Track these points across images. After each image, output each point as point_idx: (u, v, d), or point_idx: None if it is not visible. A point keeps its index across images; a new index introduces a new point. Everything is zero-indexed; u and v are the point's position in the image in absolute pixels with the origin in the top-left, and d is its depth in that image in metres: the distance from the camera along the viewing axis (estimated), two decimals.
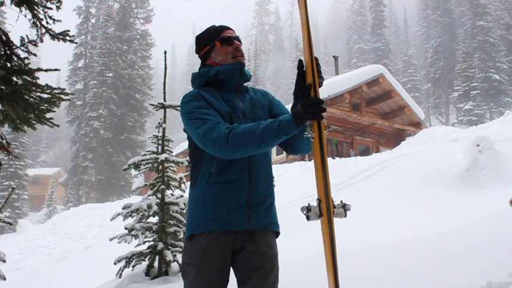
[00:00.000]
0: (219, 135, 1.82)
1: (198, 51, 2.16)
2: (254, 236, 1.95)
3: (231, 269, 1.99)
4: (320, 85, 1.86)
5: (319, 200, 1.79)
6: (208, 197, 1.94)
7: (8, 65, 3.35)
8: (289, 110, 1.94)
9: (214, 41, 2.08)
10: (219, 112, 1.96)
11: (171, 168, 5.25)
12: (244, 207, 1.93)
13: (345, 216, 1.81)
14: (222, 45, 2.07)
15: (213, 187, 1.94)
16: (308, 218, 1.80)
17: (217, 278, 1.91)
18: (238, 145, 1.81)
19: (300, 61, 1.90)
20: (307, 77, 1.85)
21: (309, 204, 1.80)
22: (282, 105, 2.22)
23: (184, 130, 2.04)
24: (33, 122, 3.52)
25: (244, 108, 2.04)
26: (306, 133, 1.82)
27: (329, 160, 15.24)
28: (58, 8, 3.58)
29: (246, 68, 2.13)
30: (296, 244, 5.62)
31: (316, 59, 1.87)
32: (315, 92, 1.81)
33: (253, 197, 1.95)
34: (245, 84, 2.16)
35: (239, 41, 2.11)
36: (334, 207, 1.80)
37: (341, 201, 1.83)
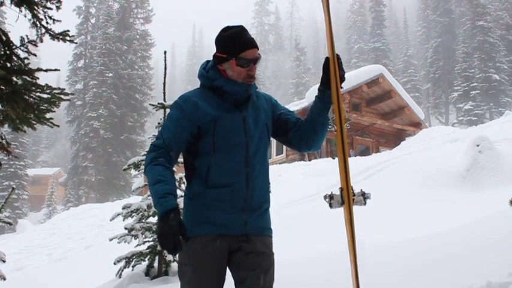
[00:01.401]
0: (147, 158, 1.98)
1: (216, 48, 2.10)
2: (250, 238, 1.96)
3: (228, 270, 2.01)
4: (342, 78, 1.98)
5: (341, 189, 1.87)
6: (204, 200, 1.95)
7: (8, 65, 3.35)
8: (311, 105, 2.12)
9: (232, 57, 2.00)
10: (206, 120, 1.96)
11: None
12: (239, 212, 1.95)
13: (365, 204, 1.89)
14: (237, 65, 2.00)
15: (209, 191, 1.95)
16: (331, 206, 1.88)
17: (213, 277, 1.93)
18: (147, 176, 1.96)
19: (327, 58, 2.01)
20: (330, 71, 1.98)
21: (331, 192, 1.88)
22: (286, 108, 2.24)
23: None
24: (33, 122, 3.53)
25: (244, 115, 2.03)
26: (329, 127, 1.90)
27: (329, 160, 15.23)
28: (58, 8, 3.59)
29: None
30: (296, 244, 5.63)
31: (338, 55, 1.98)
32: (336, 84, 1.92)
33: (249, 202, 1.97)
34: None
35: (257, 60, 2.03)
36: (354, 195, 1.86)
37: (361, 190, 1.92)
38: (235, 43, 2.00)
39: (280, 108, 2.20)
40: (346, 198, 1.82)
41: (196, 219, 1.96)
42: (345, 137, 1.87)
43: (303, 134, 2.11)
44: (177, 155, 2.03)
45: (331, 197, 1.86)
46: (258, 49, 2.04)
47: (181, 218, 1.88)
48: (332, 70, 1.92)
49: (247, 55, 2.00)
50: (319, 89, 2.08)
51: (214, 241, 1.92)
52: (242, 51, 1.99)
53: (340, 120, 1.88)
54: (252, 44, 2.02)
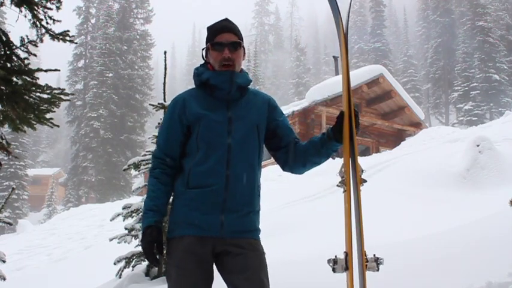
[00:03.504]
0: (151, 166, 2.09)
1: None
2: (236, 241, 1.93)
3: (220, 274, 1.98)
4: (356, 133, 1.98)
5: (346, 253, 1.80)
6: (185, 201, 1.96)
7: (8, 65, 3.35)
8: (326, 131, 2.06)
9: (209, 43, 2.08)
10: (192, 120, 1.99)
11: None
12: (217, 214, 1.92)
13: (377, 270, 1.82)
14: (212, 50, 2.06)
15: (189, 191, 1.95)
16: (334, 271, 1.81)
17: (198, 278, 1.91)
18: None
19: (342, 112, 2.00)
20: (344, 125, 1.95)
21: (335, 256, 1.81)
22: (285, 117, 2.20)
23: None
24: (33, 122, 3.53)
25: (231, 115, 2.01)
26: (338, 185, 1.88)
27: (329, 160, 15.16)
28: (58, 8, 3.59)
29: (245, 72, 2.12)
30: (295, 244, 5.63)
31: (356, 111, 1.97)
32: (351, 139, 1.93)
33: (229, 204, 1.93)
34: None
35: (234, 47, 2.04)
36: (367, 260, 1.80)
37: (374, 255, 1.84)
38: (211, 30, 2.09)
39: (278, 116, 2.14)
40: (351, 263, 1.75)
41: (177, 220, 1.97)
42: (359, 198, 1.76)
43: (291, 160, 2.09)
44: (174, 159, 2.04)
45: (335, 261, 1.79)
46: (237, 36, 2.07)
47: (158, 234, 1.93)
48: (346, 126, 1.89)
49: (221, 38, 2.04)
50: (328, 133, 2.02)
51: (196, 242, 1.90)
52: (216, 36, 2.05)
53: (356, 180, 1.80)
54: (226, 28, 2.07)
